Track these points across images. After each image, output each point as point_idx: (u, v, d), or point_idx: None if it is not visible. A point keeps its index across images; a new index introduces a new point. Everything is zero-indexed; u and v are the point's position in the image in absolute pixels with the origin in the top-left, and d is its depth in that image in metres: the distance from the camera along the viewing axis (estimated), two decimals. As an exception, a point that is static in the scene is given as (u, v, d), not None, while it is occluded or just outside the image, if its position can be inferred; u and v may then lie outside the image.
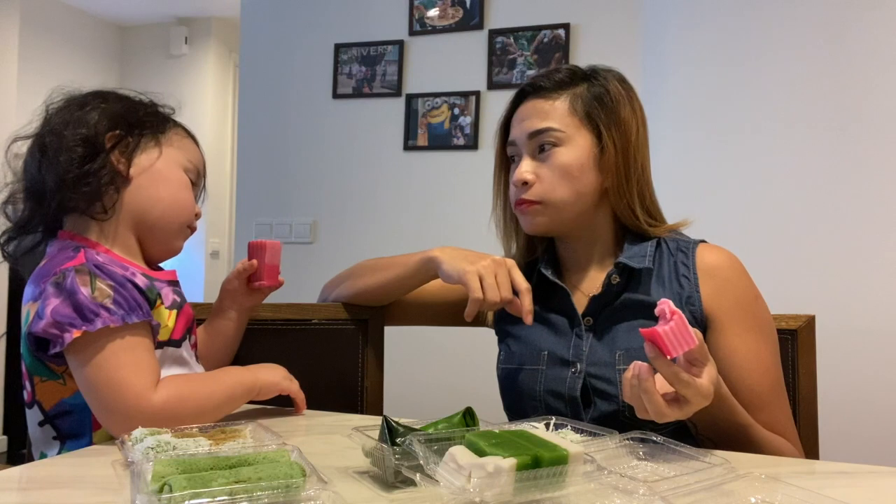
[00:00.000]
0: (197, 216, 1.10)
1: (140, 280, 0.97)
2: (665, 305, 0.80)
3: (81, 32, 4.98)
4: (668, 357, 0.80)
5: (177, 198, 1.04)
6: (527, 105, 1.12)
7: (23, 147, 1.02)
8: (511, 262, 1.07)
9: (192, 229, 1.09)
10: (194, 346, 1.10)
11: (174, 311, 1.02)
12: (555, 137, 1.08)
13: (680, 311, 0.80)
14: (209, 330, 1.18)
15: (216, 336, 1.18)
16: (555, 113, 1.09)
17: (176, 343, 1.02)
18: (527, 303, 1.04)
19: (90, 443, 0.96)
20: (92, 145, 0.98)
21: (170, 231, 1.05)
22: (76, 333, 0.88)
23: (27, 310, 0.94)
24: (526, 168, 1.09)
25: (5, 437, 3.80)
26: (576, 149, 1.08)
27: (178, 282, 1.08)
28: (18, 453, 3.63)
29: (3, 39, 3.77)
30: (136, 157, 1.01)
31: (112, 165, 0.99)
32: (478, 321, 1.26)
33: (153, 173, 1.02)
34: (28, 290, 0.95)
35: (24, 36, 3.95)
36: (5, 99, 3.79)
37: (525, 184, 1.09)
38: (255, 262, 1.16)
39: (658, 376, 0.82)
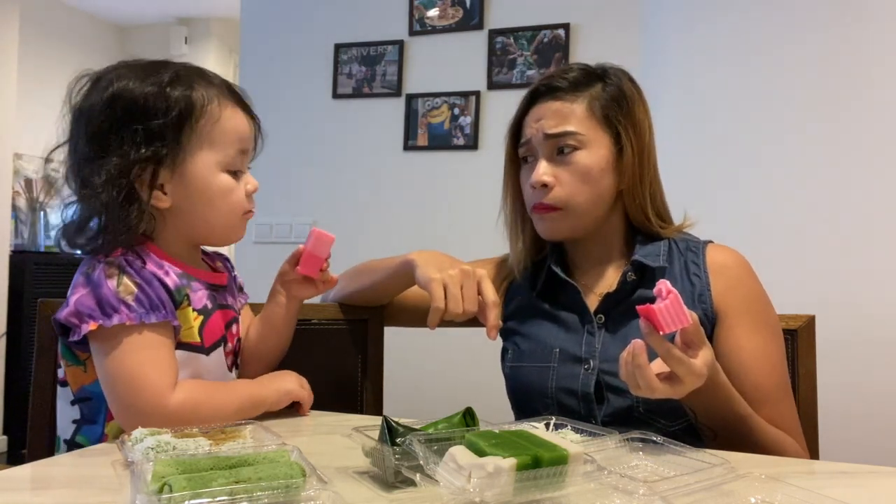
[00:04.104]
0: (250, 193, 1.04)
1: (171, 280, 0.96)
2: (662, 285, 0.82)
3: (81, 32, 4.98)
4: (661, 333, 0.82)
5: (218, 209, 1.00)
6: (542, 105, 1.11)
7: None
8: (482, 273, 1.04)
9: (249, 213, 1.05)
10: (230, 352, 1.07)
11: (201, 316, 1.00)
12: (576, 140, 1.07)
13: (676, 292, 0.82)
14: (262, 318, 1.16)
15: (266, 324, 1.15)
16: (574, 116, 1.08)
17: (204, 351, 1.00)
18: (492, 318, 1.02)
19: (102, 430, 0.97)
20: (121, 185, 0.93)
21: (221, 234, 1.04)
22: (92, 326, 0.89)
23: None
24: (544, 170, 1.08)
25: (5, 437, 3.80)
26: (596, 151, 1.08)
27: (224, 286, 1.07)
28: (18, 453, 3.63)
29: (3, 39, 3.77)
30: (167, 186, 0.97)
31: (143, 203, 0.95)
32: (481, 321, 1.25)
33: (187, 194, 0.98)
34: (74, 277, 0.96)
35: (24, 36, 3.95)
36: (5, 99, 3.79)
37: (545, 186, 1.08)
38: (300, 247, 1.14)
39: (657, 359, 0.84)
